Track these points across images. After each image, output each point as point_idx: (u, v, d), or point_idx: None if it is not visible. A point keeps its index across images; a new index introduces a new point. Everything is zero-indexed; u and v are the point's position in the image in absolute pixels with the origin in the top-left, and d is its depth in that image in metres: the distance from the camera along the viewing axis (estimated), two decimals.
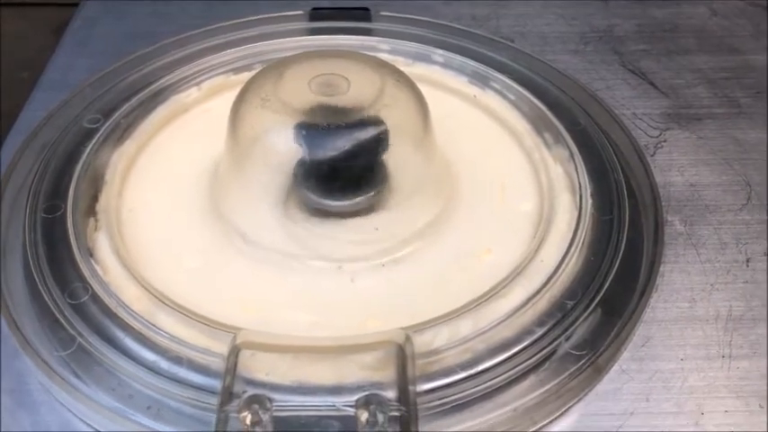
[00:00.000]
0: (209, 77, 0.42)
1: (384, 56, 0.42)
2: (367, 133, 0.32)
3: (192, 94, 0.41)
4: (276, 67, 0.35)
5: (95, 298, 0.30)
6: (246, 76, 0.36)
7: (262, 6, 0.47)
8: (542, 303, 0.30)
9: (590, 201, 0.34)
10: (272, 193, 0.33)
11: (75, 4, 0.53)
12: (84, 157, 0.36)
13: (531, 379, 0.29)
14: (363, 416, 0.25)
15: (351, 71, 0.34)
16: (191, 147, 0.39)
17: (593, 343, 0.30)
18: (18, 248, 0.33)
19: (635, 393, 0.30)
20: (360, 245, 0.33)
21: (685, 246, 0.36)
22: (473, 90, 0.42)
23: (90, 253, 0.32)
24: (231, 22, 0.45)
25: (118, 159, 0.37)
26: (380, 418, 0.25)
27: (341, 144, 0.31)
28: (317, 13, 0.46)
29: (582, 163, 0.36)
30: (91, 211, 0.34)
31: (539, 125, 0.39)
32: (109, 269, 0.31)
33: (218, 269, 0.33)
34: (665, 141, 0.42)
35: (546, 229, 0.33)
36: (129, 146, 0.38)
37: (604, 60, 0.48)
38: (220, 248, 0.34)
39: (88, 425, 0.28)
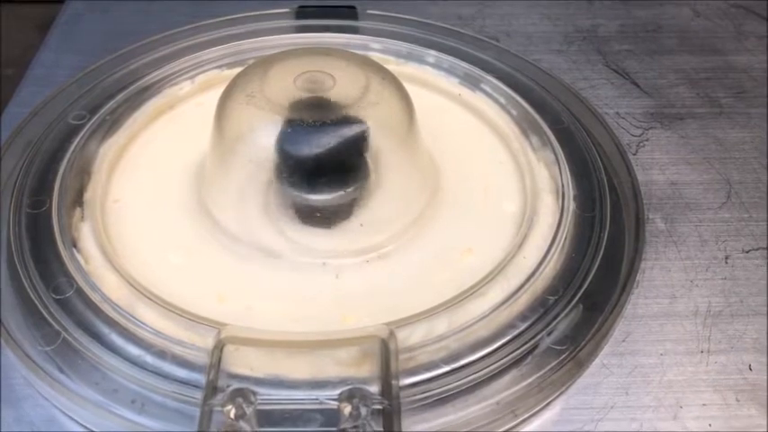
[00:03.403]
0: (202, 72, 0.42)
1: (373, 54, 0.42)
2: (352, 130, 0.32)
3: (184, 87, 0.41)
4: (262, 64, 0.35)
5: (80, 293, 0.30)
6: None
7: (246, 4, 0.47)
8: (525, 299, 0.31)
9: (573, 203, 0.34)
10: (257, 189, 0.33)
11: (60, 2, 0.53)
12: (69, 153, 0.36)
13: (514, 373, 0.29)
14: (347, 409, 0.26)
15: (336, 69, 0.34)
16: (181, 140, 0.39)
17: (574, 338, 0.30)
18: (3, 244, 0.33)
19: (615, 387, 0.30)
20: (344, 241, 0.33)
21: (666, 243, 0.36)
22: (460, 90, 0.42)
23: (74, 243, 0.32)
24: (217, 20, 0.45)
25: (106, 151, 0.37)
26: (363, 411, 0.25)
27: (326, 141, 0.31)
28: (303, 11, 0.46)
29: (566, 165, 0.36)
30: (77, 201, 0.34)
31: (526, 128, 0.39)
32: (91, 259, 0.31)
33: (202, 264, 0.33)
34: (647, 140, 0.42)
35: (529, 227, 0.34)
36: (118, 137, 0.38)
37: (588, 60, 0.48)
38: (205, 243, 0.34)
39: (72, 419, 0.28)
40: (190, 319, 0.29)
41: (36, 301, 0.30)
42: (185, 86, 0.41)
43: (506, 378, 0.29)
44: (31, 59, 0.47)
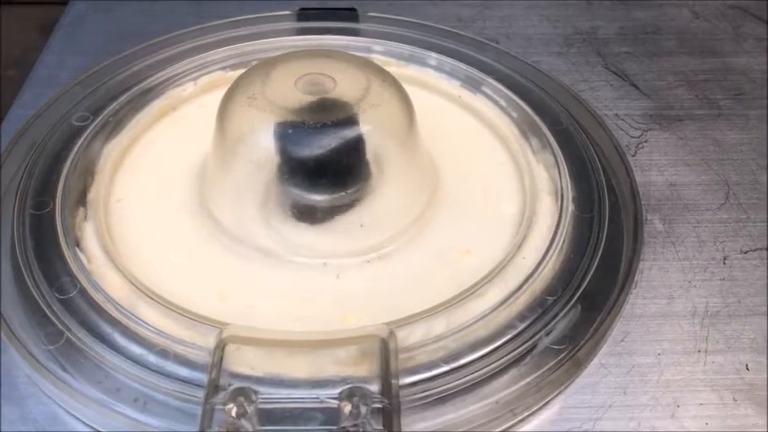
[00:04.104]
0: (205, 73, 0.42)
1: (375, 56, 0.42)
2: (352, 132, 0.32)
3: (188, 88, 0.41)
4: (263, 67, 0.35)
5: (83, 293, 0.30)
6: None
7: (248, 6, 0.47)
8: (524, 299, 0.31)
9: (572, 204, 0.34)
10: (258, 190, 0.33)
11: (61, 3, 0.53)
12: (72, 154, 0.36)
13: (513, 373, 0.29)
14: (347, 408, 0.26)
15: (337, 71, 0.35)
16: (184, 141, 0.39)
17: (572, 338, 0.30)
18: (7, 244, 0.33)
19: (613, 387, 0.31)
20: (345, 242, 0.34)
21: (664, 244, 0.37)
22: (460, 92, 0.42)
23: (77, 242, 0.32)
24: (219, 22, 0.45)
25: (110, 151, 0.37)
26: (363, 410, 0.26)
27: (326, 142, 0.32)
28: (304, 14, 0.46)
29: (565, 167, 0.36)
30: (81, 201, 0.35)
31: (526, 130, 0.39)
32: (93, 259, 0.32)
33: (203, 264, 0.34)
34: (646, 142, 0.42)
35: (528, 228, 0.34)
36: (122, 138, 0.38)
37: (588, 62, 0.48)
38: (206, 243, 0.34)
39: (75, 417, 0.29)
40: (192, 319, 0.29)
41: (40, 301, 0.30)
42: (188, 88, 0.41)
43: (505, 377, 0.29)
44: (31, 60, 0.47)
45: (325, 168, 0.33)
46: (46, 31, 0.50)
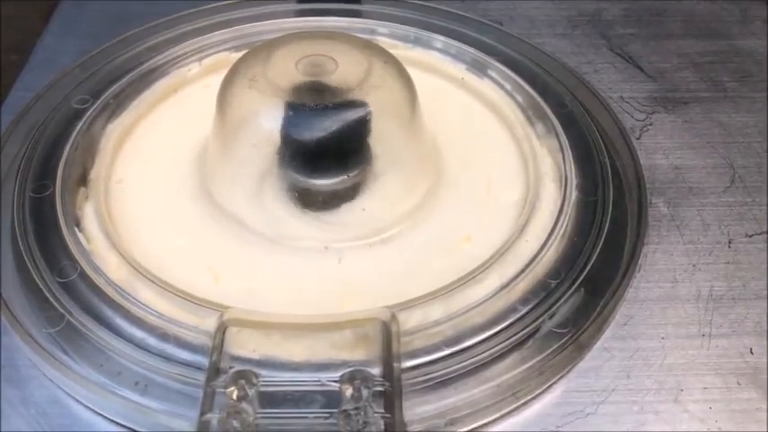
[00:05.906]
0: (209, 55, 0.42)
1: (379, 39, 0.42)
2: (353, 114, 0.32)
3: (192, 69, 0.41)
4: (264, 48, 0.35)
5: (84, 276, 0.30)
6: None
7: None
8: (526, 282, 0.31)
9: (575, 191, 0.34)
10: (259, 173, 0.33)
11: None
12: (72, 137, 0.36)
13: (515, 356, 0.29)
14: (348, 391, 0.26)
15: (339, 52, 0.34)
16: (187, 122, 0.39)
17: (575, 321, 0.30)
18: (7, 228, 0.33)
19: (616, 370, 0.30)
20: (346, 225, 0.33)
21: (669, 227, 0.36)
22: (464, 75, 0.42)
23: (77, 223, 0.32)
24: (221, 3, 0.45)
25: (112, 131, 0.37)
26: (365, 393, 0.25)
27: (327, 124, 0.32)
28: None
29: (570, 152, 0.36)
30: (82, 181, 0.34)
31: (531, 115, 0.39)
32: (93, 240, 0.32)
33: (204, 247, 0.33)
34: (650, 124, 0.42)
35: (531, 211, 0.34)
36: (124, 118, 0.38)
37: (592, 44, 0.48)
38: (207, 226, 0.34)
39: (77, 400, 0.29)
40: (192, 302, 0.29)
41: (41, 285, 0.30)
42: (193, 68, 0.41)
43: (508, 361, 0.29)
44: (33, 45, 0.47)
45: (326, 151, 0.32)
46: (48, 15, 0.50)
